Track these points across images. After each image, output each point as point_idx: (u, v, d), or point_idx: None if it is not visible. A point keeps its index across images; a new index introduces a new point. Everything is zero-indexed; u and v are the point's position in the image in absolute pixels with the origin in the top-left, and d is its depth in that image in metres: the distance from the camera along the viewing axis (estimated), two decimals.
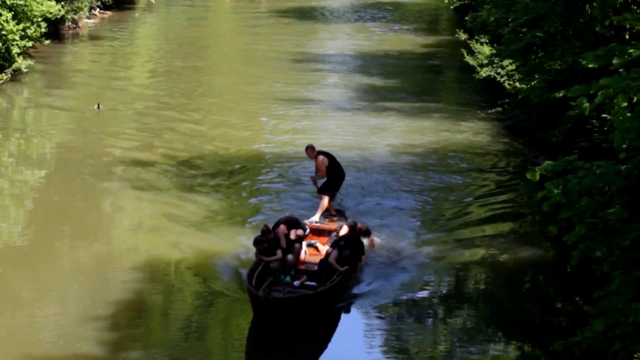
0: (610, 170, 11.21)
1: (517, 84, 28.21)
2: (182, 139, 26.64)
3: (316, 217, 19.64)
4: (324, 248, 18.09)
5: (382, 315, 16.56)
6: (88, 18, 47.09)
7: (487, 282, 18.51)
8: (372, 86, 34.50)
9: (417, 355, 15.27)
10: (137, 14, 51.67)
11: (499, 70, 30.01)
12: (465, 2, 42.92)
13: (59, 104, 30.72)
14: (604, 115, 18.79)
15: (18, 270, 17.86)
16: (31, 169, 24.08)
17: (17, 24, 31.94)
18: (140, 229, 20.24)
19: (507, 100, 29.61)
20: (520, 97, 27.05)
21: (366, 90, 33.83)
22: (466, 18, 37.10)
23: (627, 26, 17.33)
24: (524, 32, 25.29)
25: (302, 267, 17.48)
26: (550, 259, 19.30)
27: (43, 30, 33.87)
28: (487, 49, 31.30)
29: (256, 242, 17.02)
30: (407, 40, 44.85)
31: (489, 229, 20.76)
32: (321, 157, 20.25)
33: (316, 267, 17.23)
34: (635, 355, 10.97)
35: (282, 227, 17.72)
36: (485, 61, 30.21)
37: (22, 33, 32.21)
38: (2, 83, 31.56)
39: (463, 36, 36.02)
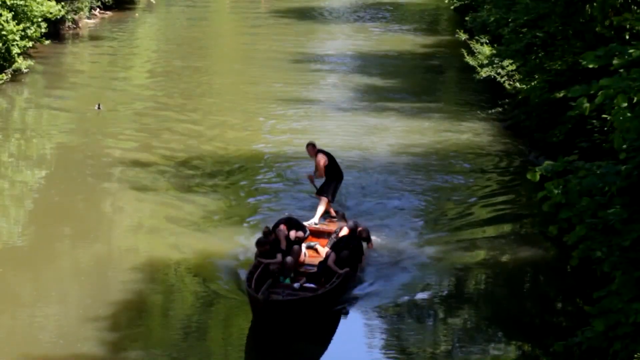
0: (610, 170, 11.20)
1: (518, 84, 28.19)
2: (182, 139, 26.64)
3: (315, 219, 19.60)
4: (323, 250, 18.06)
5: (383, 316, 16.55)
6: (88, 18, 47.09)
7: (487, 282, 18.51)
8: (372, 86, 34.50)
9: (417, 355, 15.26)
10: (137, 14, 51.68)
11: (499, 70, 30.00)
12: (466, 2, 42.91)
13: (59, 104, 30.72)
14: (604, 115, 18.77)
15: (18, 270, 17.86)
16: (31, 169, 24.09)
17: (17, 24, 31.95)
18: (140, 229, 20.25)
19: (507, 100, 29.61)
20: (520, 97, 27.04)
21: (366, 90, 33.82)
22: (466, 18, 37.11)
23: (627, 26, 17.33)
24: (524, 32, 25.30)
25: (302, 269, 17.46)
26: (550, 259, 19.29)
27: (43, 30, 33.87)
28: (487, 49, 31.29)
29: (258, 244, 16.98)
30: (407, 41, 44.84)
31: (489, 229, 20.77)
32: (321, 156, 20.24)
33: (315, 269, 17.21)
34: (636, 356, 10.96)
35: (282, 227, 17.71)
36: (486, 61, 30.22)
37: (22, 33, 32.21)
38: (2, 83, 31.56)
39: (463, 36, 36.01)
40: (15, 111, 30.28)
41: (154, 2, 54.49)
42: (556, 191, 11.17)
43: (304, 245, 17.99)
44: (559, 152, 19.38)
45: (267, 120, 29.23)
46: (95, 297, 16.56)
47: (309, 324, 15.60)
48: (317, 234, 19.04)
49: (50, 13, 33.70)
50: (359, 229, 17.86)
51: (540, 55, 24.83)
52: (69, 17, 43.28)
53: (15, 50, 32.12)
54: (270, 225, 17.98)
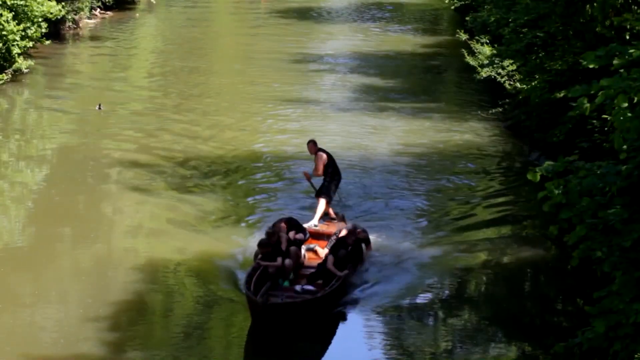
0: (610, 170, 11.19)
1: (518, 84, 28.19)
2: (182, 139, 26.64)
3: (315, 221, 19.57)
4: (323, 252, 18.02)
5: (383, 316, 16.54)
6: (88, 18, 47.10)
7: (488, 283, 18.49)
8: (372, 86, 34.49)
9: (418, 355, 15.25)
10: (137, 15, 51.70)
11: (500, 70, 30.00)
12: (466, 2, 42.92)
13: (59, 105, 30.71)
14: (604, 115, 18.76)
15: (18, 270, 17.85)
16: (31, 169, 24.10)
17: (18, 24, 31.95)
18: (140, 230, 20.25)
19: (507, 100, 29.60)
20: (520, 97, 27.04)
21: (366, 90, 33.81)
22: (467, 18, 37.12)
23: (628, 26, 17.33)
24: (524, 32, 25.30)
25: (301, 271, 17.41)
26: (550, 260, 19.29)
27: (43, 30, 33.87)
28: (487, 49, 31.30)
29: (261, 245, 16.86)
30: (407, 41, 44.84)
31: (489, 229, 20.76)
32: (320, 154, 20.22)
33: (314, 270, 17.16)
34: (636, 356, 10.95)
35: (283, 225, 17.65)
36: (486, 61, 30.22)
37: (23, 33, 32.21)
38: (3, 83, 31.56)
39: (463, 36, 36.00)
40: (15, 111, 30.28)
41: (154, 2, 54.52)
42: (556, 191, 11.16)
43: (303, 248, 17.96)
44: (559, 152, 19.36)
45: (266, 120, 29.23)
46: (95, 297, 16.56)
47: (309, 325, 15.59)
48: (317, 235, 19.00)
49: (51, 13, 33.70)
50: (358, 230, 17.83)
51: (540, 55, 24.83)
52: (70, 17, 43.29)
53: (16, 50, 32.13)
54: (270, 225, 17.93)
